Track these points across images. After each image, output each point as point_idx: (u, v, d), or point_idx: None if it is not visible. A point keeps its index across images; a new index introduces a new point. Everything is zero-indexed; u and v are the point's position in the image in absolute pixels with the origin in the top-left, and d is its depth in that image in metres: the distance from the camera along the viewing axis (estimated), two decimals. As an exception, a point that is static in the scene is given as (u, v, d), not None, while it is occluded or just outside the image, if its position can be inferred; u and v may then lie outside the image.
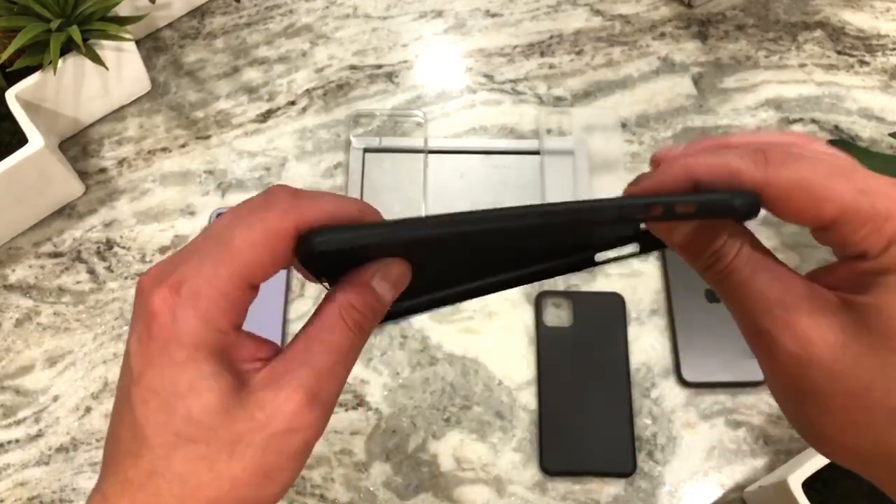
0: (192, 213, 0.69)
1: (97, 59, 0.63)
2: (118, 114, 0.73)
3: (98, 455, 0.60)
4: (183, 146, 0.72)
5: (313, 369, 0.25)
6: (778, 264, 0.25)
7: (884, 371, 0.21)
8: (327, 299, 0.26)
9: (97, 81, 0.68)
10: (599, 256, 0.30)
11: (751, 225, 0.72)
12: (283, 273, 0.66)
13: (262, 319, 0.64)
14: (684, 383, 0.62)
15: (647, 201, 0.23)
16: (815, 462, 0.52)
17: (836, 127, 0.73)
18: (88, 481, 0.60)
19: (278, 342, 0.61)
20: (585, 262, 0.30)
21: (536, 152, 0.71)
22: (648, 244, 0.29)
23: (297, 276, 0.66)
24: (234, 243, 0.25)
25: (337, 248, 0.25)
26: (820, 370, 0.22)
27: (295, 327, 0.65)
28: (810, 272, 0.25)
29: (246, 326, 0.28)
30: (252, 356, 0.26)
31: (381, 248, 0.26)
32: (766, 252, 0.25)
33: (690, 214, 0.23)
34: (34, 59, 0.62)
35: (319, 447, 0.60)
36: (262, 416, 0.24)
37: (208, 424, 0.24)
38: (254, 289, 0.26)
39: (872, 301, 0.22)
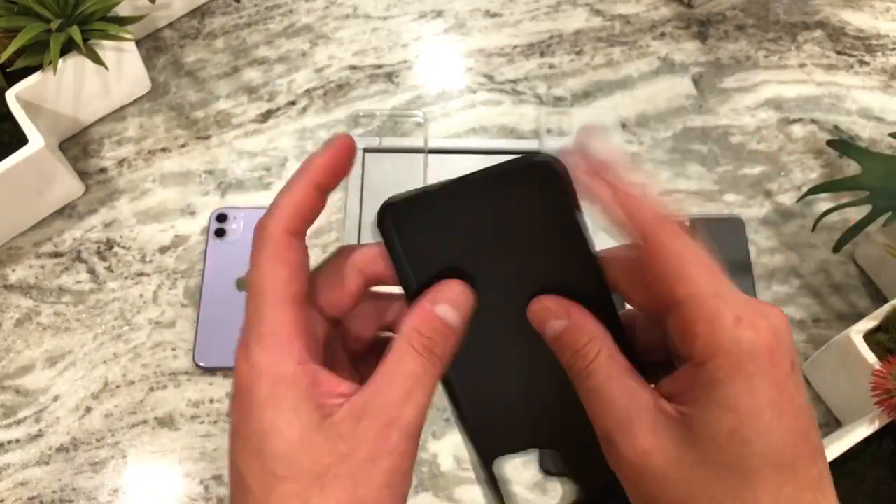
0: (192, 213, 0.69)
1: (97, 60, 0.63)
2: (118, 114, 0.73)
3: (98, 455, 0.60)
4: (183, 146, 0.72)
5: (388, 396, 0.25)
6: (630, 376, 0.26)
7: (709, 483, 0.23)
8: (396, 332, 0.27)
9: (97, 81, 0.68)
10: None
11: (752, 225, 0.72)
12: None
13: None
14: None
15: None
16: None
17: (836, 127, 0.73)
18: (88, 481, 0.60)
19: None
20: None
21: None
22: None
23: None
24: (265, 281, 0.27)
25: (403, 199, 0.27)
26: (655, 480, 0.24)
27: (295, 327, 0.65)
28: (662, 380, 0.26)
29: None
30: (334, 392, 0.25)
31: (450, 216, 0.27)
32: (623, 363, 0.26)
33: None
34: (34, 59, 0.62)
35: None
36: (345, 448, 0.24)
37: (295, 460, 0.24)
38: (306, 310, 0.27)
39: (699, 415, 0.23)
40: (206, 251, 0.67)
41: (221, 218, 0.68)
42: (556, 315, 0.27)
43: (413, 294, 0.27)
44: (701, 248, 0.25)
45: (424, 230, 0.27)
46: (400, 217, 0.27)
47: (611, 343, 0.26)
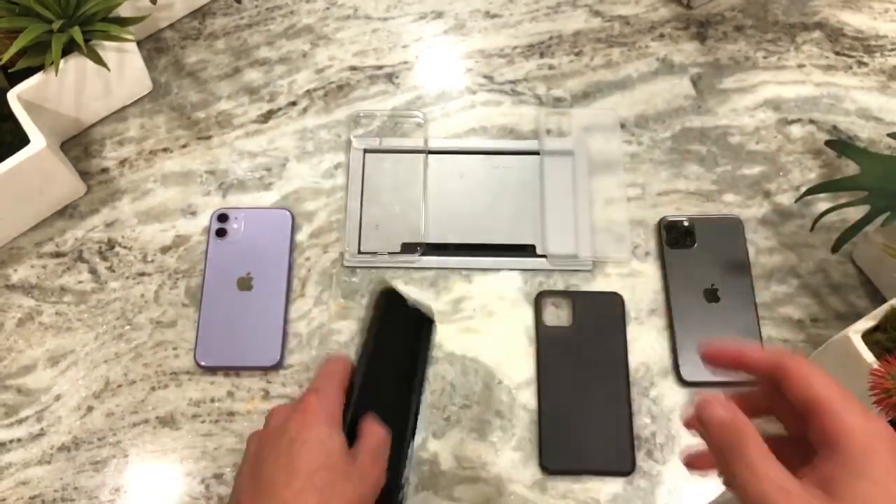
0: (193, 214, 0.69)
1: (99, 60, 0.63)
2: (119, 114, 0.74)
3: (99, 454, 0.61)
4: (184, 146, 0.72)
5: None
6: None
7: None
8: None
9: (99, 82, 0.68)
10: None
11: (750, 225, 0.73)
12: (284, 273, 0.66)
13: (264, 319, 0.64)
14: (683, 382, 0.63)
15: None
16: (813, 461, 0.52)
17: (835, 127, 0.73)
18: (90, 480, 0.60)
19: (279, 341, 0.63)
20: None
21: (536, 153, 0.72)
22: None
23: (297, 276, 0.67)
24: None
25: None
26: None
27: (295, 326, 0.65)
28: (801, 471, 0.32)
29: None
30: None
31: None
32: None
33: None
34: (36, 59, 0.62)
35: (320, 446, 0.61)
36: (358, 465, 0.43)
37: (336, 460, 0.41)
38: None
39: (840, 489, 0.30)
40: (206, 251, 0.67)
41: (222, 218, 0.68)
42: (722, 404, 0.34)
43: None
44: (817, 369, 0.33)
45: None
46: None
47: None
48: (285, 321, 0.65)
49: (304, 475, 0.40)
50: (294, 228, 0.68)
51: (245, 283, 0.65)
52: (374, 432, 0.44)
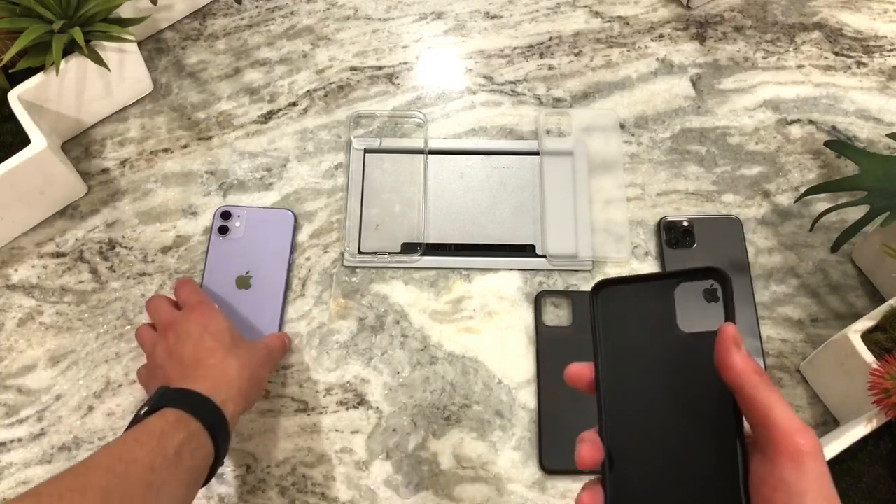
0: (193, 214, 0.69)
1: (99, 61, 0.64)
2: (120, 115, 0.74)
3: (100, 454, 0.61)
4: (185, 147, 0.72)
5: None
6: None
7: None
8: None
9: (99, 82, 0.68)
10: None
11: (750, 225, 0.73)
12: (283, 273, 0.66)
13: (261, 319, 0.64)
14: (683, 382, 0.63)
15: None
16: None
17: (834, 128, 0.73)
18: (91, 480, 0.60)
19: (277, 324, 0.65)
20: None
21: (536, 153, 0.72)
22: None
23: (297, 276, 0.67)
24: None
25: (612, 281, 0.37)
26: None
27: (295, 326, 0.65)
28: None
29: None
30: None
31: None
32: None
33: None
34: (37, 60, 0.62)
35: (320, 445, 0.61)
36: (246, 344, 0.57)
37: (238, 336, 0.57)
38: None
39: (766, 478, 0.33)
40: (207, 248, 0.67)
41: (226, 215, 0.68)
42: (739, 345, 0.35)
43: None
44: (773, 389, 0.33)
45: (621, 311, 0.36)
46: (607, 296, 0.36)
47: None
48: (282, 321, 0.65)
49: (223, 349, 0.54)
50: (296, 229, 0.68)
51: (244, 282, 0.65)
52: (275, 338, 0.62)
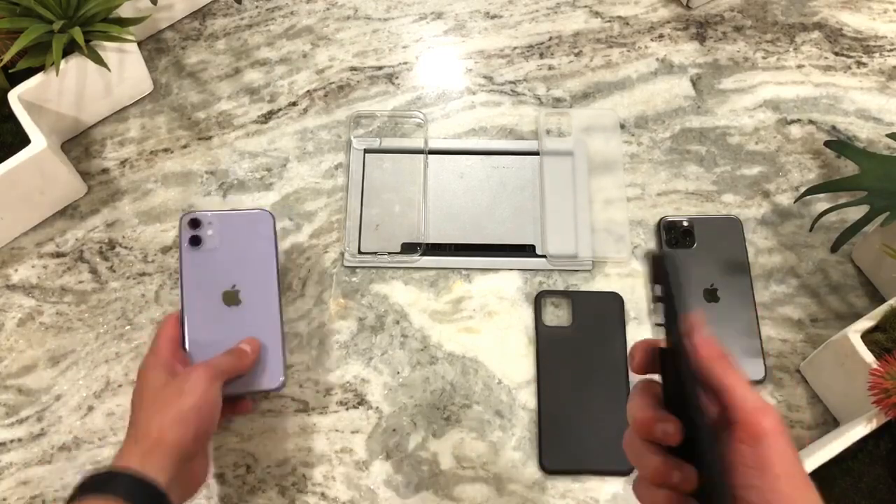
0: (193, 214, 0.69)
1: (99, 61, 0.64)
2: (120, 115, 0.74)
3: (100, 454, 0.61)
4: (184, 147, 0.73)
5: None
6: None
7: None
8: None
9: (99, 82, 0.68)
10: None
11: (750, 225, 0.73)
12: (273, 281, 0.58)
13: (259, 337, 0.57)
14: (683, 382, 0.63)
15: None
16: (813, 461, 0.52)
17: (834, 128, 0.73)
18: (91, 480, 0.60)
19: (280, 359, 0.56)
20: None
21: (536, 153, 0.72)
22: None
23: (297, 277, 0.67)
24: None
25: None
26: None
27: (295, 327, 0.65)
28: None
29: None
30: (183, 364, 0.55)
31: None
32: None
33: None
34: (37, 60, 0.62)
35: (320, 445, 0.61)
36: (177, 382, 0.52)
37: (160, 388, 0.52)
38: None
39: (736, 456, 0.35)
40: (180, 264, 0.57)
41: (194, 224, 0.58)
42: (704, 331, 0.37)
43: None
44: (738, 370, 0.35)
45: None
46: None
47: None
48: (283, 336, 0.58)
49: (146, 402, 0.51)
50: (276, 230, 0.59)
51: (232, 298, 0.57)
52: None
